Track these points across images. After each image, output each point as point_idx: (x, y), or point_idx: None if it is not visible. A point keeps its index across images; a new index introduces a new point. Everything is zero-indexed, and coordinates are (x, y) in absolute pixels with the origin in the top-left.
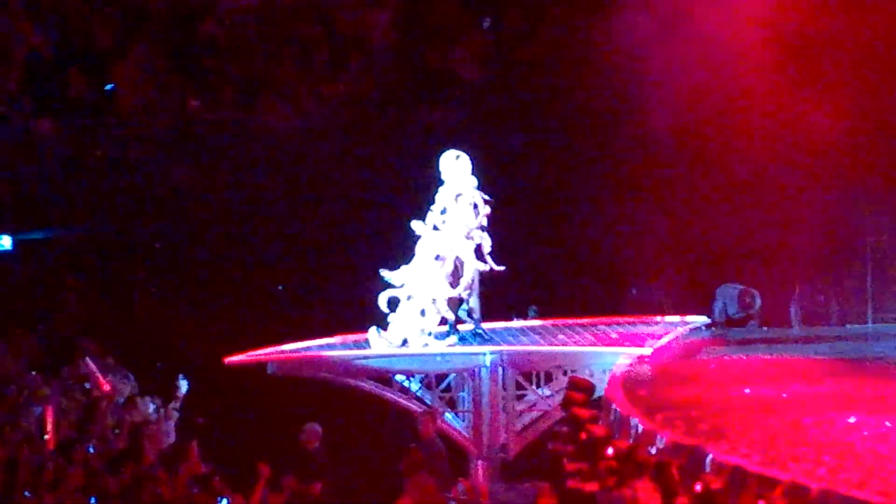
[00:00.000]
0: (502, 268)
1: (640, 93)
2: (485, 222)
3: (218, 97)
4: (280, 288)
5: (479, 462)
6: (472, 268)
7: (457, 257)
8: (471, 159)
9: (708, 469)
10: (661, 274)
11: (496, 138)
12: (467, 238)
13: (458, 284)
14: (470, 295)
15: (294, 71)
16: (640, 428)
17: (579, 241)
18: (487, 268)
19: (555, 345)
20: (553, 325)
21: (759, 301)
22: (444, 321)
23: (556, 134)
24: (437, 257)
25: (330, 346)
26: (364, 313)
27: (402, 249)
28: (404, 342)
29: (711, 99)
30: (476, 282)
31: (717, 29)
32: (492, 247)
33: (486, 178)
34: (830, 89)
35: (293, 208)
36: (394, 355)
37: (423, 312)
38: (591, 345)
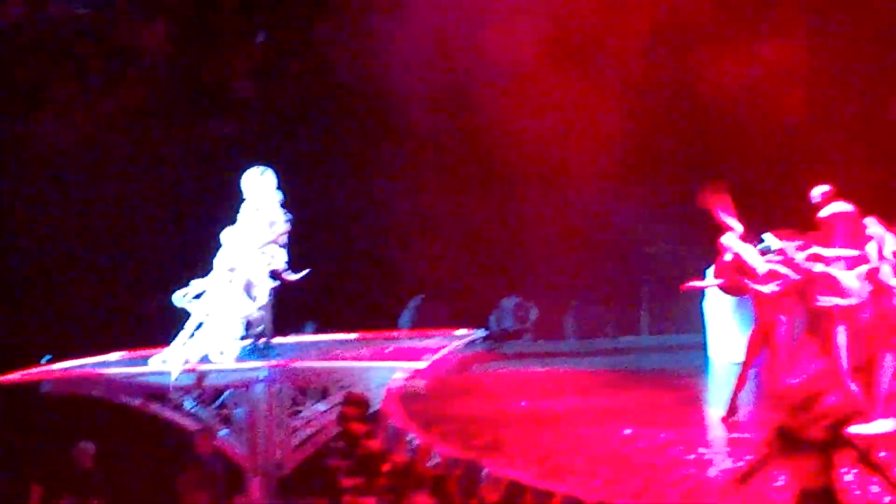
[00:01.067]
0: (298, 276)
1: (408, 106)
2: (283, 239)
3: None
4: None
5: (256, 479)
6: (265, 284)
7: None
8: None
9: (484, 483)
10: (439, 287)
11: (272, 149)
12: (261, 254)
13: (254, 300)
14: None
15: (69, 85)
16: (417, 442)
17: (357, 255)
18: (276, 283)
19: (330, 360)
20: (330, 340)
21: (534, 313)
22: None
23: (330, 145)
24: (231, 270)
25: (106, 364)
26: (145, 329)
27: (182, 262)
28: (204, 358)
29: (488, 111)
30: (271, 296)
31: (487, 36)
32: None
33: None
34: (600, 103)
35: (72, 223)
36: (168, 372)
37: (217, 328)
38: (366, 360)
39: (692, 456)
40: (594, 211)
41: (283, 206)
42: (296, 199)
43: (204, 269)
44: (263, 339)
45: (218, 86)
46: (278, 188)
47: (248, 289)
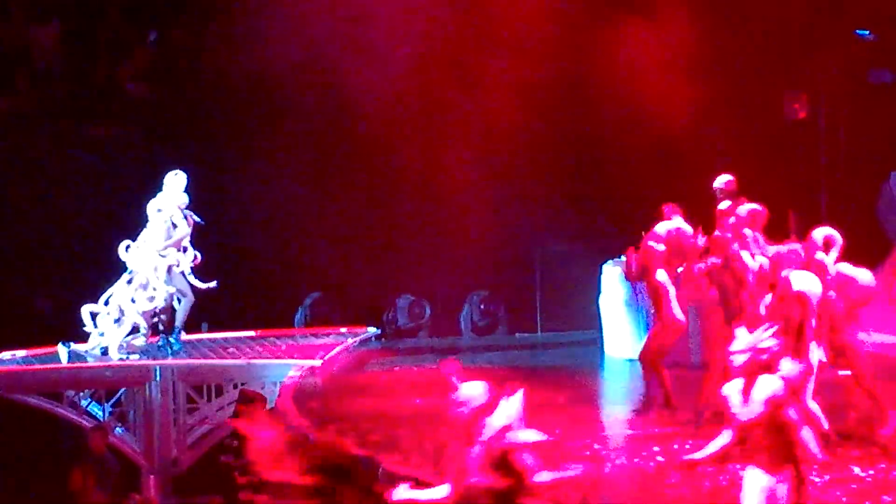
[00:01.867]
0: (209, 285)
1: (300, 106)
2: (184, 242)
3: None
4: None
5: (152, 476)
6: (162, 285)
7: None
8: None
9: (380, 480)
10: (334, 285)
11: (164, 152)
12: (161, 255)
13: (153, 299)
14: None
15: None
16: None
17: (252, 253)
18: (173, 289)
19: (225, 358)
20: (224, 337)
21: (428, 311)
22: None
23: (224, 145)
24: (132, 272)
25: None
26: (39, 327)
27: (73, 264)
28: (103, 352)
29: (375, 111)
30: (169, 297)
31: (372, 36)
32: (194, 263)
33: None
34: (488, 98)
35: None
36: (64, 368)
37: (117, 323)
38: (261, 357)
39: (587, 452)
40: (489, 207)
41: (188, 208)
42: (191, 198)
43: (96, 267)
44: (168, 336)
45: (109, 87)
46: (185, 191)
47: (144, 288)
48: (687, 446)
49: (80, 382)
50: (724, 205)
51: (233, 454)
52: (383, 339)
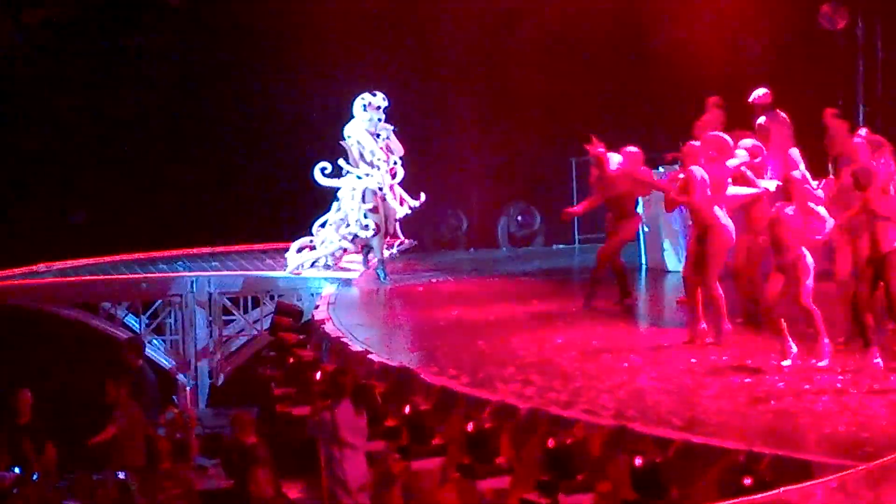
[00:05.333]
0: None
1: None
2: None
3: None
4: None
5: (188, 389)
6: (358, 210)
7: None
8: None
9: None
10: None
11: (196, 62)
12: (357, 178)
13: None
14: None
15: None
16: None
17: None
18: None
19: (261, 270)
20: (261, 249)
21: (465, 223)
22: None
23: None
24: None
25: (34, 274)
26: (73, 239)
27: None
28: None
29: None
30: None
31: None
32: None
33: (193, 98)
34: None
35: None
36: (100, 279)
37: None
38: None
39: (625, 364)
40: (523, 117)
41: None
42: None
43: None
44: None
45: None
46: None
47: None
48: (724, 358)
49: (116, 294)
50: (761, 119)
51: (270, 365)
52: (421, 252)
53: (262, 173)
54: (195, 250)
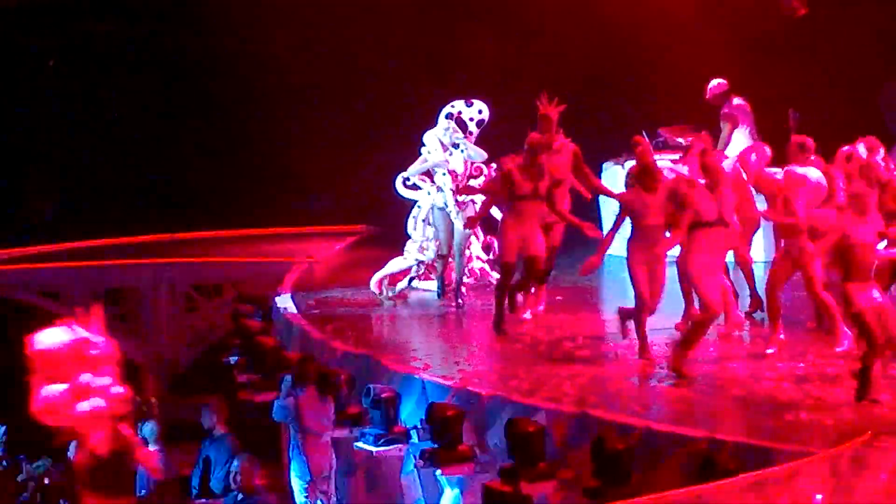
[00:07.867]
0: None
1: None
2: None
3: None
4: None
5: (150, 376)
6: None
7: None
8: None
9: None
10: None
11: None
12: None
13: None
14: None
15: None
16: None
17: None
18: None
19: (224, 257)
20: (227, 236)
21: None
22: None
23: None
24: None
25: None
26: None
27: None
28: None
29: None
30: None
31: None
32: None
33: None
34: None
35: None
36: (63, 267)
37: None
38: (261, 257)
39: (588, 352)
40: None
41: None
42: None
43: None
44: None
45: None
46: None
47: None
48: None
49: (79, 282)
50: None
51: (232, 353)
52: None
53: (223, 158)
54: (157, 237)
